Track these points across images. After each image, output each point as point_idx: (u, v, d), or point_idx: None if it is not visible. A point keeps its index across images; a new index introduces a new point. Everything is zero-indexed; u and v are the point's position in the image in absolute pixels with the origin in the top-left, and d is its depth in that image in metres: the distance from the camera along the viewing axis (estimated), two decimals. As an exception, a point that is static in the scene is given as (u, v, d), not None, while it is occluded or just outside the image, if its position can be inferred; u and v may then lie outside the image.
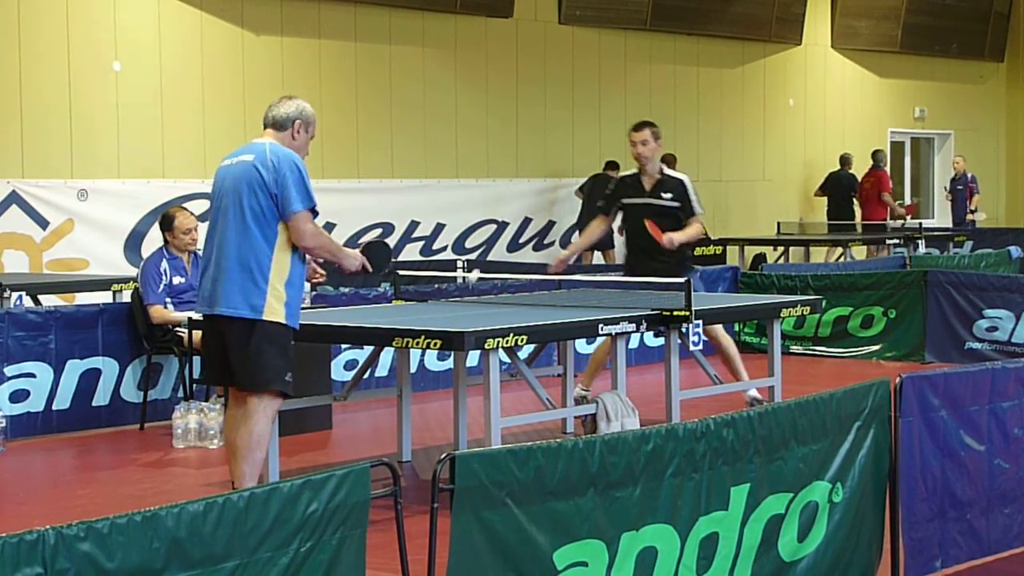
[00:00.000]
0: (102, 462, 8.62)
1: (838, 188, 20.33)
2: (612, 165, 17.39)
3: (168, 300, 9.11)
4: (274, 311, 6.21)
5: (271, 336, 6.24)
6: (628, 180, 9.34)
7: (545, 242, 17.66)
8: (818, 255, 18.41)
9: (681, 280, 7.79)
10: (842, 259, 16.80)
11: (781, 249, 18.35)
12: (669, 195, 9.11)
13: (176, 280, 9.16)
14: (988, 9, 23.88)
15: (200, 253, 8.89)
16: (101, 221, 13.62)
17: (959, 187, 21.34)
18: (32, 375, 9.07)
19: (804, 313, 9.37)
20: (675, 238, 8.94)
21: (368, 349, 9.19)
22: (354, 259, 6.56)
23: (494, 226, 17.09)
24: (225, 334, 6.26)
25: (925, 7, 22.51)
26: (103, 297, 11.07)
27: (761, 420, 4.79)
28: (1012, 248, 15.38)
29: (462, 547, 3.97)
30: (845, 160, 20.49)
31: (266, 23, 15.19)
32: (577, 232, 17.59)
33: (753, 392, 9.02)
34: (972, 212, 21.12)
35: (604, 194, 9.65)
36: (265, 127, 6.45)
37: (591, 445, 4.29)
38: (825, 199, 20.54)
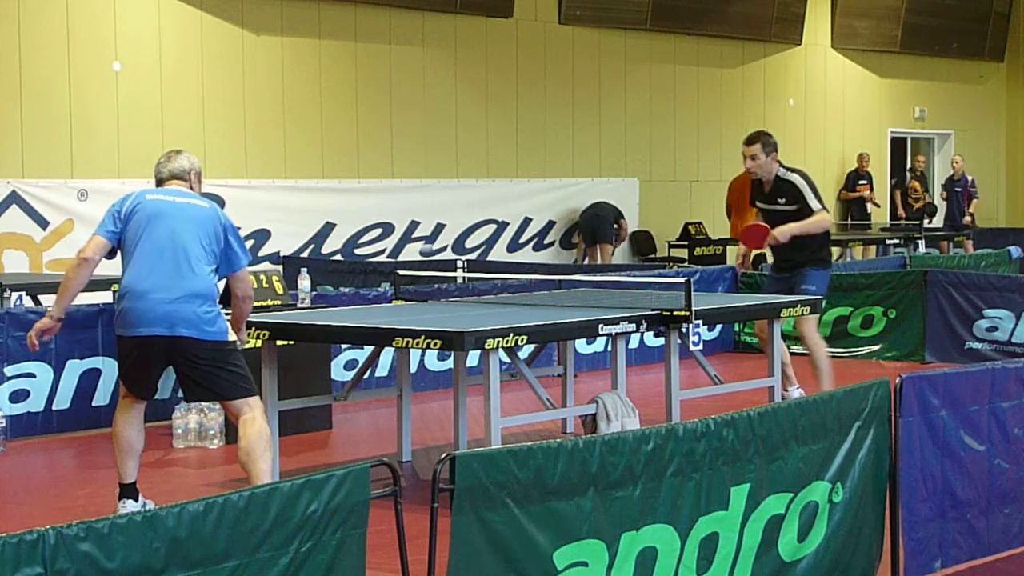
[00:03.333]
0: (102, 462, 8.61)
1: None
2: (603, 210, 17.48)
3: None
4: (231, 333, 6.63)
5: (235, 351, 6.58)
6: (755, 184, 9.43)
7: (545, 242, 17.66)
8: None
9: (681, 280, 7.78)
10: (841, 259, 16.81)
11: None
12: (783, 199, 9.17)
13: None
14: (988, 9, 23.88)
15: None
16: (101, 221, 13.61)
17: (957, 189, 21.12)
18: (32, 375, 9.07)
19: (804, 313, 9.37)
20: (784, 230, 9.01)
21: (368, 349, 9.20)
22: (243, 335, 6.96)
23: (494, 226, 17.09)
24: (188, 354, 6.41)
25: (925, 7, 22.52)
26: (103, 297, 11.05)
27: (761, 420, 4.78)
28: (1012, 248, 15.38)
29: (462, 547, 3.97)
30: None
31: (266, 23, 15.19)
32: (583, 239, 17.64)
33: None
34: (969, 216, 20.95)
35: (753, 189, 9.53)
36: (165, 181, 6.72)
37: (591, 445, 4.29)
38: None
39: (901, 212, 22.02)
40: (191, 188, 6.71)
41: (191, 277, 6.38)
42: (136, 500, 6.60)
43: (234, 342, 6.60)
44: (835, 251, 17.88)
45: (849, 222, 20.55)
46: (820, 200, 9.20)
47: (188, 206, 6.55)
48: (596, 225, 17.52)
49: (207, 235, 6.49)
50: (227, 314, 6.70)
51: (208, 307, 6.40)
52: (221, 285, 6.68)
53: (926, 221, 21.05)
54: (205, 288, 6.41)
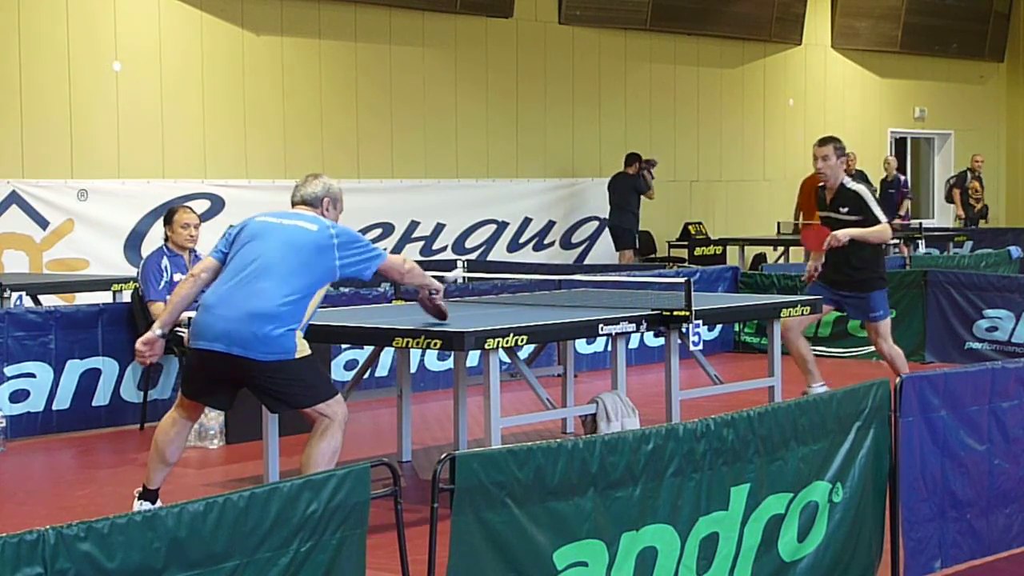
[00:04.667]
0: (102, 462, 8.62)
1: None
2: (632, 159, 17.45)
3: (169, 297, 9.10)
4: (302, 349, 6.36)
5: (302, 365, 6.37)
6: (819, 191, 9.42)
7: (545, 242, 17.66)
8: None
9: (681, 280, 7.78)
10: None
11: (781, 249, 18.34)
12: (846, 209, 9.13)
13: (177, 277, 9.15)
14: (988, 9, 23.88)
15: (200, 253, 8.91)
16: (101, 221, 13.62)
17: (890, 191, 20.25)
18: (32, 375, 9.07)
19: (804, 313, 9.36)
20: (845, 232, 8.96)
21: (368, 349, 9.19)
22: (439, 286, 6.99)
23: (494, 226, 17.09)
24: (249, 374, 6.33)
25: (925, 7, 22.52)
26: (103, 297, 11.07)
27: (761, 420, 4.79)
28: (1012, 248, 15.38)
29: (462, 547, 3.97)
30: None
31: (266, 23, 15.19)
32: (608, 229, 17.63)
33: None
34: (902, 216, 20.19)
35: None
36: (296, 204, 6.65)
37: (591, 445, 4.29)
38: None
39: (960, 212, 21.68)
40: (322, 214, 6.56)
41: (259, 297, 6.24)
42: (153, 504, 6.57)
43: (304, 358, 6.34)
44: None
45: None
46: (884, 213, 9.17)
47: (293, 228, 6.42)
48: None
49: (299, 257, 6.33)
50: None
51: (271, 328, 6.21)
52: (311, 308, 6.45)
53: (981, 223, 20.84)
54: (269, 309, 6.22)
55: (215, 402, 6.71)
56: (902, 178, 20.56)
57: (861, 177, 21.01)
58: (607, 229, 17.81)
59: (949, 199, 21.72)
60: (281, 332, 6.25)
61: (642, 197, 17.52)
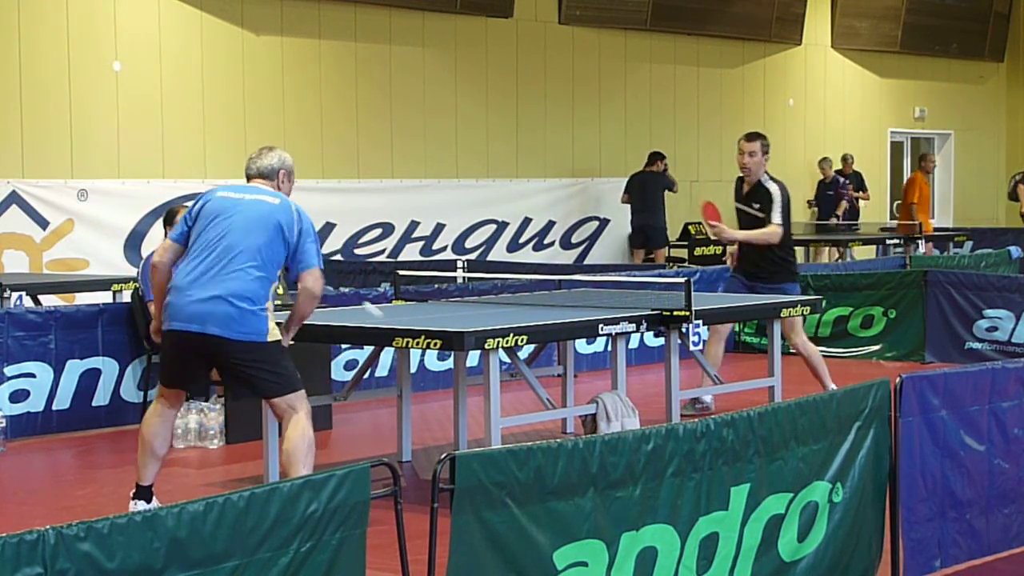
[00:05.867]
0: (102, 462, 8.62)
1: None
2: (655, 157, 17.51)
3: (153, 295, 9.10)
4: (274, 332, 6.47)
5: (273, 350, 6.47)
6: (737, 182, 9.68)
7: (545, 242, 17.66)
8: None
9: (681, 280, 7.79)
10: (840, 259, 16.81)
11: (834, 248, 18.36)
12: (758, 205, 9.41)
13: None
14: (988, 9, 23.87)
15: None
16: (101, 221, 13.62)
17: (828, 192, 20.29)
18: (32, 375, 9.07)
19: (804, 313, 9.38)
20: (726, 233, 9.34)
21: (368, 349, 9.19)
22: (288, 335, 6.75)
23: (494, 226, 17.09)
24: (223, 354, 6.40)
25: (925, 7, 22.51)
26: (103, 297, 11.07)
27: (761, 420, 4.79)
28: (1012, 248, 15.37)
29: (462, 547, 3.97)
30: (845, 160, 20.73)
31: (266, 23, 15.19)
32: (643, 228, 17.65)
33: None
34: (836, 217, 20.12)
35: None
36: (251, 177, 6.68)
37: (591, 445, 4.29)
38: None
39: None
40: (278, 187, 6.62)
41: (230, 276, 6.32)
42: (149, 503, 6.58)
43: (276, 342, 6.47)
44: (835, 252, 17.91)
45: (837, 223, 20.35)
46: (785, 217, 9.35)
47: (254, 203, 6.47)
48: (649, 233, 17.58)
49: (266, 234, 6.39)
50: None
51: (245, 307, 6.30)
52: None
53: None
54: (243, 288, 6.31)
55: (193, 387, 6.78)
56: (841, 179, 20.47)
57: (857, 178, 20.95)
58: (632, 229, 17.78)
59: (1013, 196, 21.42)
60: (253, 311, 6.34)
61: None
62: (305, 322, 6.71)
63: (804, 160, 21.38)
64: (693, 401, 9.43)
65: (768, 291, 9.37)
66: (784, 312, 8.73)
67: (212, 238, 6.43)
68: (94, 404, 9.32)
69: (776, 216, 9.30)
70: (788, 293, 9.36)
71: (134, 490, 6.63)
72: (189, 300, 6.35)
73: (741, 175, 9.60)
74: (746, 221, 9.49)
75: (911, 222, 18.14)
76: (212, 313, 6.30)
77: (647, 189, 17.50)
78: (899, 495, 5.22)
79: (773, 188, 9.40)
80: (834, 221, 20.12)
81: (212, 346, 6.34)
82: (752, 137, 9.54)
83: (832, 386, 9.13)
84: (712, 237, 9.45)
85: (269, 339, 6.41)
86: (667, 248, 17.70)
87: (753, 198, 9.44)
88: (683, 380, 8.17)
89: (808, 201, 19.73)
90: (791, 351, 9.90)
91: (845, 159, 20.75)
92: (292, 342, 6.68)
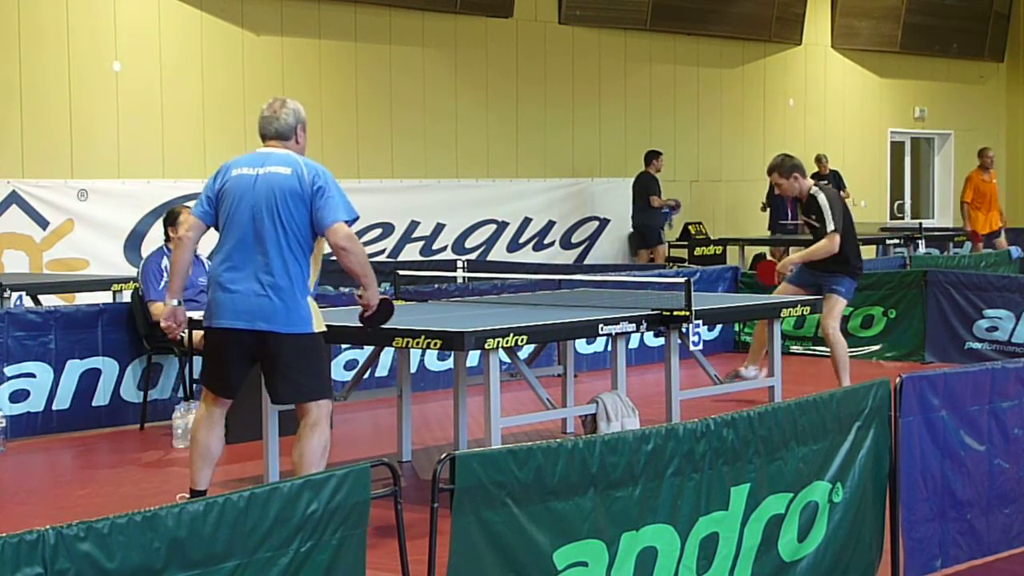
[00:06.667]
0: (102, 462, 8.62)
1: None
2: (651, 156, 17.53)
3: (170, 266, 9.07)
4: (319, 322, 6.32)
5: (318, 346, 6.34)
6: (794, 201, 10.33)
7: (545, 242, 17.66)
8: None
9: (681, 280, 7.79)
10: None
11: (781, 249, 18.32)
12: (814, 216, 9.85)
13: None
14: (988, 9, 23.87)
15: (202, 255, 8.90)
16: (101, 221, 13.62)
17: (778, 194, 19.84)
18: (32, 375, 9.07)
19: (804, 313, 9.39)
20: (786, 262, 9.97)
21: (368, 349, 9.19)
22: (376, 290, 6.48)
23: (494, 226, 17.08)
24: (269, 349, 6.24)
25: (925, 7, 22.51)
26: (103, 297, 11.07)
27: (761, 420, 4.79)
28: (1012, 248, 15.38)
29: (462, 547, 3.97)
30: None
31: (266, 23, 15.19)
32: (633, 226, 17.69)
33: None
34: (788, 220, 19.45)
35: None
36: (268, 139, 6.45)
37: (591, 445, 4.29)
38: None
39: None
40: (296, 142, 6.41)
41: (266, 266, 6.16)
42: None
43: (321, 334, 6.29)
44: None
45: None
46: (837, 221, 9.71)
47: (269, 176, 6.23)
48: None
49: (286, 209, 6.18)
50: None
51: (285, 296, 6.14)
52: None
53: None
54: (280, 276, 6.15)
55: (235, 390, 6.49)
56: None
57: (835, 177, 20.50)
58: (631, 229, 17.88)
59: None
60: (294, 298, 6.17)
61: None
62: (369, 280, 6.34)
63: (804, 160, 21.33)
64: (734, 376, 10.02)
65: (824, 280, 9.71)
66: (784, 312, 8.73)
67: (240, 225, 6.22)
68: (94, 404, 9.32)
69: (829, 224, 9.67)
70: (839, 287, 9.73)
71: (187, 493, 6.52)
72: (231, 296, 6.20)
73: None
74: (811, 231, 10.02)
75: (970, 226, 17.98)
76: (258, 307, 6.15)
77: (637, 189, 17.61)
78: (899, 495, 5.22)
79: (820, 197, 9.81)
80: (791, 222, 19.50)
81: (259, 341, 6.19)
82: (768, 171, 10.10)
83: (847, 382, 9.53)
84: (782, 279, 9.95)
85: (315, 329, 6.25)
86: (666, 246, 17.72)
87: (810, 211, 9.88)
88: (683, 380, 8.17)
89: (762, 203, 19.03)
90: (791, 351, 9.93)
91: (819, 159, 20.23)
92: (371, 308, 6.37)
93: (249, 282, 6.20)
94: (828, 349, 9.94)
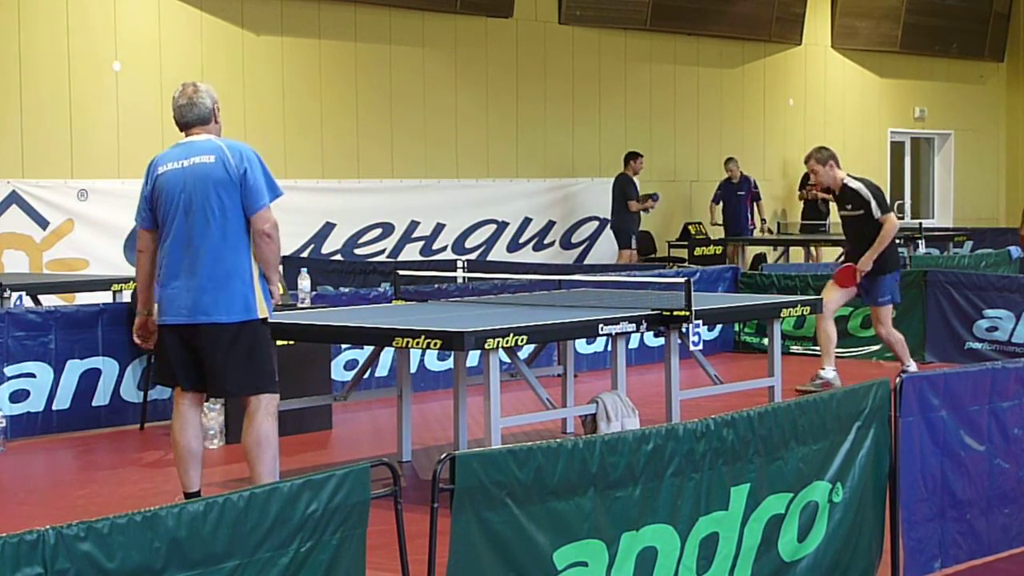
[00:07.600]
0: (102, 462, 8.62)
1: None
2: (630, 157, 17.48)
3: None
4: (262, 308, 6.35)
5: (261, 335, 6.37)
6: (832, 191, 10.44)
7: (545, 242, 17.67)
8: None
9: (681, 280, 7.79)
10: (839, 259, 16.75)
11: (781, 249, 18.33)
12: (849, 206, 10.09)
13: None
14: (988, 9, 23.88)
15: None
16: (101, 221, 13.62)
17: (740, 192, 18.78)
18: (32, 375, 9.07)
19: (804, 313, 9.39)
20: (864, 267, 9.97)
21: (368, 349, 9.19)
22: (278, 284, 6.59)
23: (494, 226, 17.09)
24: (211, 341, 6.27)
25: (925, 7, 22.52)
26: (103, 297, 11.07)
27: (761, 420, 4.78)
28: (1012, 248, 15.37)
29: (462, 547, 3.97)
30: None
31: (266, 23, 15.19)
32: (610, 227, 17.63)
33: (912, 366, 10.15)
34: (761, 221, 19.23)
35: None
36: (190, 126, 6.45)
37: (591, 445, 4.29)
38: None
39: None
40: (216, 122, 6.42)
41: (205, 260, 6.20)
42: None
43: (265, 319, 6.31)
44: (835, 251, 17.86)
45: (801, 221, 20.12)
46: (886, 206, 9.99)
47: (196, 168, 6.26)
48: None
49: (218, 200, 6.21)
50: None
51: (226, 285, 6.19)
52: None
53: None
54: (219, 268, 6.19)
55: (194, 382, 6.47)
56: (752, 179, 19.14)
57: (748, 184, 20.10)
58: (609, 229, 17.85)
59: None
60: (232, 287, 6.21)
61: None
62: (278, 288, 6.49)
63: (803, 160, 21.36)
64: (813, 378, 10.17)
65: (869, 285, 10.03)
66: (784, 312, 8.72)
67: (175, 220, 6.26)
68: (94, 404, 9.32)
69: (877, 211, 9.88)
70: (884, 290, 10.06)
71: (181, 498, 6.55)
72: (175, 291, 6.25)
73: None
74: (849, 223, 10.14)
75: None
76: (198, 301, 6.20)
77: (614, 191, 17.61)
78: (899, 495, 5.22)
79: (858, 185, 10.02)
80: (760, 225, 19.18)
81: (202, 335, 6.23)
82: (807, 158, 10.37)
83: (911, 365, 10.02)
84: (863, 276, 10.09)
85: (260, 315, 6.29)
86: (635, 252, 17.47)
87: (845, 201, 10.10)
88: (683, 380, 8.17)
89: (711, 204, 18.83)
90: (791, 351, 9.95)
91: (727, 162, 19.14)
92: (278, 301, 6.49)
93: (187, 277, 6.25)
94: (892, 343, 10.26)
